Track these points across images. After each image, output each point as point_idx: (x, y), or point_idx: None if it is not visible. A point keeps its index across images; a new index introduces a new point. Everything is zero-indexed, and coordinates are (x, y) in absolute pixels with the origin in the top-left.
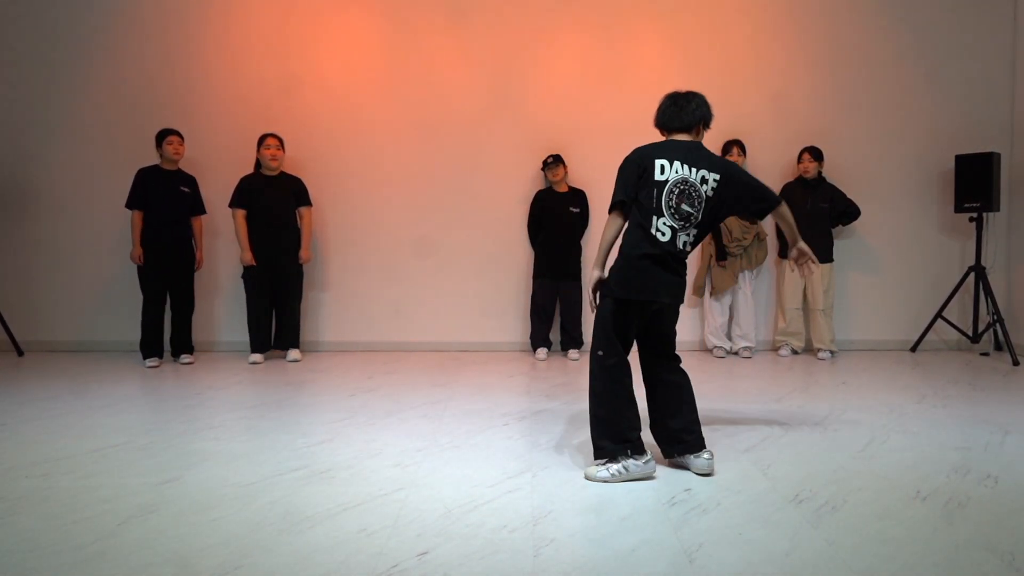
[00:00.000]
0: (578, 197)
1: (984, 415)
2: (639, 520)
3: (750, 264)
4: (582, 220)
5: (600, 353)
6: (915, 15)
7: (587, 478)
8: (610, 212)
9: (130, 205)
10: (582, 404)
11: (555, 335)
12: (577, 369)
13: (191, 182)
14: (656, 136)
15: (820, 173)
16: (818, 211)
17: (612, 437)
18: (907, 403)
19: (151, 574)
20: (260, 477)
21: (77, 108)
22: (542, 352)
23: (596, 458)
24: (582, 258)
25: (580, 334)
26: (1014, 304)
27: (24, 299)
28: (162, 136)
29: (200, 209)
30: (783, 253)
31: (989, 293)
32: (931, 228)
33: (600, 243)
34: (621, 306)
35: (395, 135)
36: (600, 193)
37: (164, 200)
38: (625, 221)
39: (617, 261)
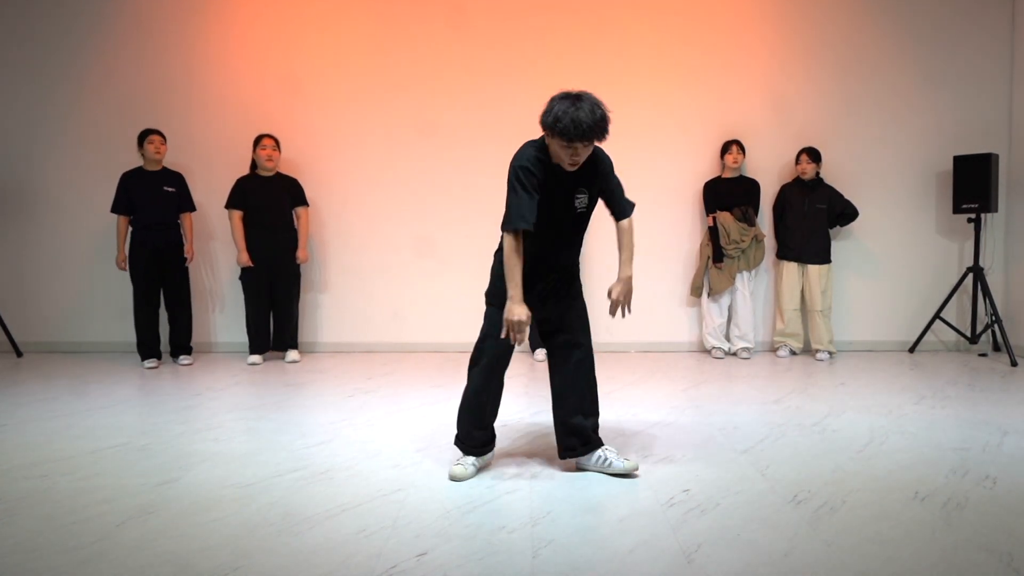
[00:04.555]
0: None
1: (982, 416)
2: (637, 521)
3: (748, 265)
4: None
5: None
6: (914, 16)
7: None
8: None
9: (115, 210)
10: None
11: None
12: None
13: (176, 180)
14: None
15: (818, 174)
16: (816, 212)
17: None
18: (905, 404)
19: (150, 575)
20: (259, 478)
21: (75, 108)
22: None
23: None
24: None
25: None
26: (1012, 305)
27: (23, 300)
28: (143, 136)
29: (188, 206)
30: (781, 254)
31: (987, 294)
32: (929, 229)
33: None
34: None
35: (393, 135)
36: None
37: (149, 202)
38: None
39: None
